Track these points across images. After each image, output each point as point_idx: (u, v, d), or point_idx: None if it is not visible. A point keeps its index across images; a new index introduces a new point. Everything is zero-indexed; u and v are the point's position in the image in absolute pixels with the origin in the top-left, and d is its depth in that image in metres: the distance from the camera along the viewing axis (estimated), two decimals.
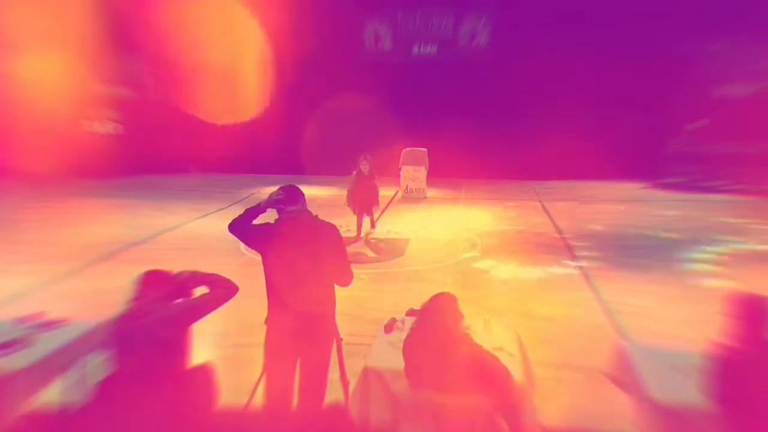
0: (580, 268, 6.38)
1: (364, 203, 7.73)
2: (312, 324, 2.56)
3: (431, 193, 12.08)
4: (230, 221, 2.68)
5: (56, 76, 11.58)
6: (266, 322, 2.66)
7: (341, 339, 2.74)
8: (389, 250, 7.26)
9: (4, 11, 10.07)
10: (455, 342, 2.33)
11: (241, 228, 2.67)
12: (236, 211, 2.72)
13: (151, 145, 13.19)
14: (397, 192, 11.99)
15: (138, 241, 7.38)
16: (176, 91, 13.79)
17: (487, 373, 2.24)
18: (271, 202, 2.66)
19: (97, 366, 2.83)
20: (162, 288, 2.47)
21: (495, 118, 13.47)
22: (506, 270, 6.34)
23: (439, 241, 7.83)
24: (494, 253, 7.06)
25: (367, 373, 2.60)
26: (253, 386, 2.86)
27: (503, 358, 2.42)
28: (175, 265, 5.99)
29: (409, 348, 2.42)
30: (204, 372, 2.51)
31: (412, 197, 11.73)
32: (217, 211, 9.76)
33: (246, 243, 2.81)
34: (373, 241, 7.80)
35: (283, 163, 13.91)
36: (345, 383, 2.79)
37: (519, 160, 13.67)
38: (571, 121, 13.89)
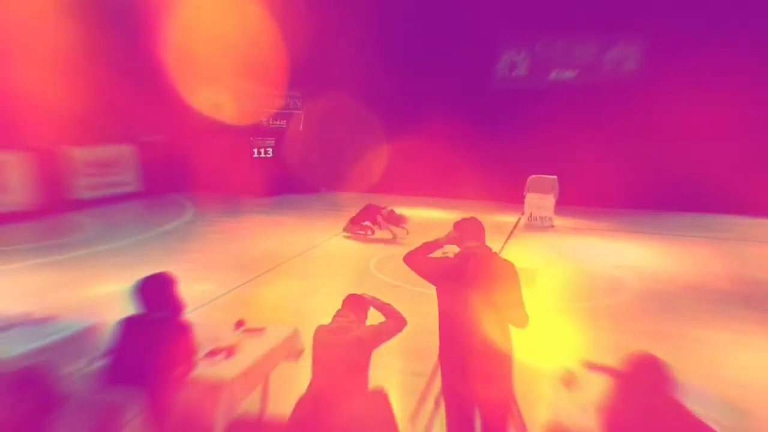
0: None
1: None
2: (487, 365, 2.51)
3: (561, 221, 11.57)
4: (406, 253, 2.81)
5: (235, 110, 14.06)
6: (440, 358, 2.70)
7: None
8: None
9: (191, 49, 12.52)
10: (669, 411, 2.14)
11: (417, 261, 2.74)
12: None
13: (293, 168, 15.06)
14: (519, 219, 11.85)
15: (292, 255, 8.48)
16: (315, 122, 15.52)
17: None
18: (451, 239, 2.73)
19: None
20: (358, 310, 2.84)
21: (641, 144, 12.46)
22: (672, 317, 5.76)
23: (577, 275, 7.39)
24: (654, 298, 6.41)
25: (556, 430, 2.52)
26: (429, 416, 2.97)
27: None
28: (320, 279, 6.68)
29: (612, 414, 2.22)
30: (381, 395, 2.74)
31: (536, 225, 11.48)
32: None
33: (421, 275, 2.81)
34: None
35: (405, 184, 14.59)
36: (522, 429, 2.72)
37: (673, 188, 12.25)
38: (735, 149, 12.25)
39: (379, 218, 9.85)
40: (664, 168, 12.27)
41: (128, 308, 2.90)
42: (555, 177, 11.74)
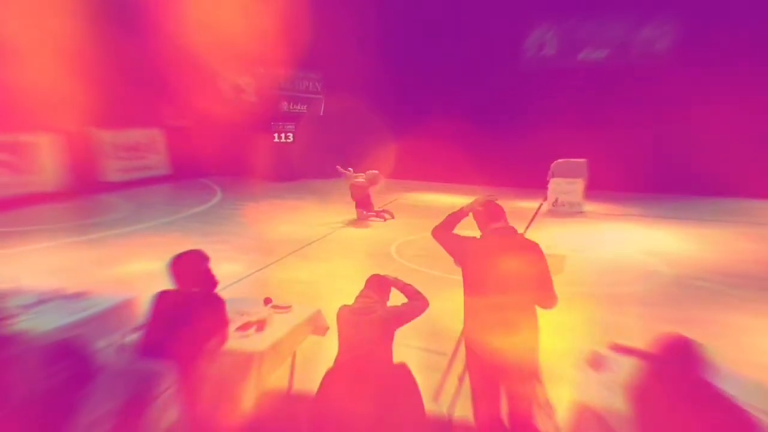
0: None
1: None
2: (513, 343, 2.49)
3: (589, 207, 11.25)
4: (434, 227, 2.81)
5: (256, 98, 14.19)
6: (464, 336, 2.69)
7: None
8: None
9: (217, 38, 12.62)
10: (702, 392, 2.08)
11: (444, 234, 2.74)
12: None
13: (312, 153, 15.13)
14: (541, 205, 11.63)
15: (313, 239, 8.60)
16: (335, 107, 15.49)
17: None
18: (475, 207, 2.72)
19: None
20: (381, 290, 2.89)
21: (671, 127, 12.03)
22: (702, 303, 5.65)
23: (607, 262, 7.28)
24: (684, 284, 6.32)
25: (582, 411, 2.48)
26: (452, 393, 3.01)
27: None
28: (341, 263, 6.67)
29: (643, 394, 2.18)
30: (405, 370, 2.73)
31: (562, 211, 11.25)
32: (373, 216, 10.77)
33: (447, 250, 2.81)
34: None
35: (424, 169, 14.51)
36: (550, 412, 2.71)
37: (703, 173, 11.86)
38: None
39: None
40: (694, 152, 11.89)
41: (159, 284, 2.99)
42: (584, 161, 11.42)
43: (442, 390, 3.31)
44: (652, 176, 12.07)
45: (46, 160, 11.36)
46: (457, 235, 2.76)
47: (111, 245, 7.84)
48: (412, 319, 2.82)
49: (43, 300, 3.63)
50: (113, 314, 3.71)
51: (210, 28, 12.47)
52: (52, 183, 11.32)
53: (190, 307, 2.77)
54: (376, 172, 10.17)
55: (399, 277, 3.09)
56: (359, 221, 10.02)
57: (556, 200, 11.35)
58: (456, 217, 2.78)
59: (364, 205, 10.11)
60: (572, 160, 11.48)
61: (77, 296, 3.78)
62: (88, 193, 11.59)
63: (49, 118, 10.85)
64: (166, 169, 14.47)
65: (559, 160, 11.62)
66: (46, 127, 11.16)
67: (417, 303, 2.85)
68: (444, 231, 2.77)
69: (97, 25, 10.90)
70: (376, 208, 10.24)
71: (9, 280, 3.91)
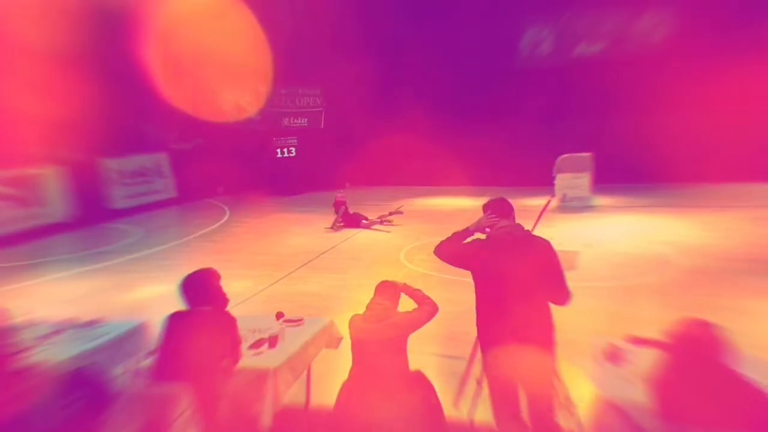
0: None
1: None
2: (528, 343, 2.46)
3: (596, 200, 11.19)
4: (436, 245, 2.74)
5: (257, 116, 14.32)
6: (479, 340, 2.64)
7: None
8: None
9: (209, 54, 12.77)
10: (725, 379, 2.04)
11: (447, 251, 2.67)
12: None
13: (316, 165, 15.18)
14: (548, 201, 11.51)
15: (322, 251, 8.60)
16: (336, 118, 15.56)
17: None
18: (481, 228, 2.65)
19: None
20: (390, 296, 2.88)
21: (675, 116, 11.92)
22: (720, 290, 5.55)
23: (620, 255, 7.22)
24: (700, 272, 6.24)
25: (603, 406, 2.43)
26: (472, 397, 2.96)
27: None
28: (351, 273, 6.64)
29: (666, 385, 2.13)
30: (422, 377, 2.74)
31: (570, 206, 11.15)
32: (377, 224, 10.77)
33: (454, 264, 2.75)
34: None
35: (428, 173, 14.47)
36: (571, 409, 2.67)
37: (711, 158, 11.81)
38: None
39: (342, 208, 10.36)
40: (701, 138, 11.75)
41: (172, 307, 2.98)
42: (589, 155, 11.38)
43: (461, 395, 3.26)
44: (656, 165, 11.92)
45: (53, 191, 11.49)
46: (461, 245, 2.71)
47: (122, 272, 7.88)
48: (424, 323, 2.81)
49: (57, 330, 3.64)
50: (127, 340, 3.72)
51: (210, 50, 12.63)
52: (60, 214, 11.44)
53: (202, 327, 2.75)
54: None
55: (408, 283, 3.08)
56: (365, 229, 10.04)
57: (564, 196, 11.26)
58: (460, 236, 2.71)
59: (354, 219, 10.34)
60: (577, 154, 11.43)
61: (91, 324, 3.78)
62: (96, 221, 11.70)
63: (53, 150, 10.99)
64: (172, 192, 14.57)
65: (564, 156, 11.56)
66: (51, 159, 11.30)
67: (427, 308, 2.84)
68: (447, 248, 2.71)
69: (97, 53, 11.06)
70: (373, 217, 10.34)
71: (23, 313, 3.92)
